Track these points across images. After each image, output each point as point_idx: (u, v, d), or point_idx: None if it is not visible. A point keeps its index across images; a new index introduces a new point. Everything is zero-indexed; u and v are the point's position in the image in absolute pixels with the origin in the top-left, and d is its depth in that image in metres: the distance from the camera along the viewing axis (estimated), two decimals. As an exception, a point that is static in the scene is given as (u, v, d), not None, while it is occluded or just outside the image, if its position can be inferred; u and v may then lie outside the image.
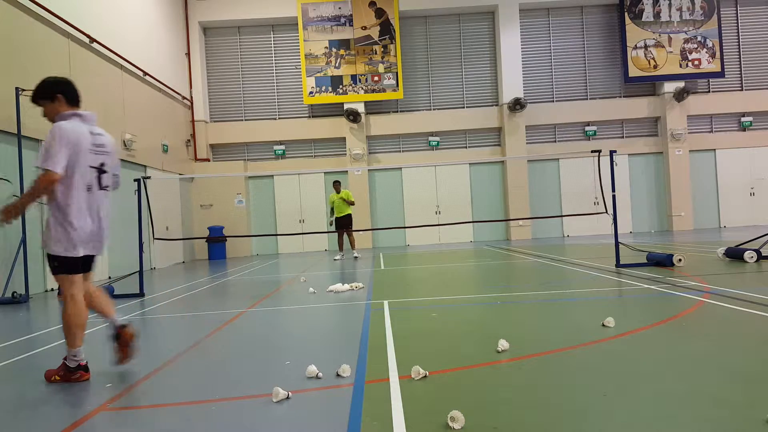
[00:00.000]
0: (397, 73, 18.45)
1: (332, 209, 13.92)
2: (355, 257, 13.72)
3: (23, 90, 8.67)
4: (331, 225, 13.96)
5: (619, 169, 18.03)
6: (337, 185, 13.96)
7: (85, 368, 3.59)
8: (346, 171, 18.30)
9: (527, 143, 18.98)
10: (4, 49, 9.23)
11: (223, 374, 3.56)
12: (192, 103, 18.50)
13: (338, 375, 3.28)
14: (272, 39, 19.33)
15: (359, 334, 4.51)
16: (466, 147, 19.34)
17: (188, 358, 4.09)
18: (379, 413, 2.64)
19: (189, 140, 18.22)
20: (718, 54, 18.67)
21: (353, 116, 18.26)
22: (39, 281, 9.67)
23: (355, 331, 4.66)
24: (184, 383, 3.42)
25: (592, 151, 8.86)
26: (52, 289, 9.74)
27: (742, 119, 19.28)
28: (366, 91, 18.50)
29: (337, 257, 13.68)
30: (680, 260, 7.97)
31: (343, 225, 13.78)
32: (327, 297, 6.92)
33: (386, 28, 18.48)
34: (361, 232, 18.17)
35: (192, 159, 18.38)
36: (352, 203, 13.81)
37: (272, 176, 18.72)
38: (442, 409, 2.56)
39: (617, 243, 8.71)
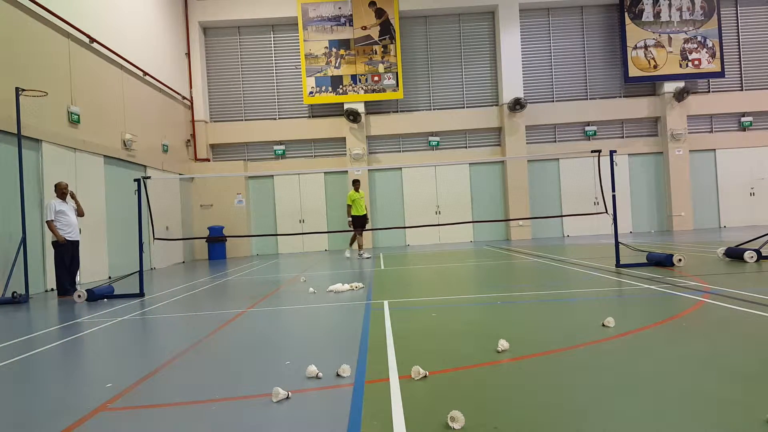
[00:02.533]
0: (397, 73, 18.45)
1: (349, 207, 13.58)
2: (353, 256, 13.71)
3: (23, 90, 8.67)
4: (350, 225, 13.64)
5: (619, 169, 18.03)
6: (357, 184, 13.78)
7: None
8: (346, 171, 18.30)
9: (527, 143, 18.98)
10: (4, 49, 9.23)
11: (223, 374, 3.56)
12: (192, 103, 18.50)
13: (338, 375, 3.28)
14: (272, 39, 19.33)
15: (359, 334, 4.51)
16: (466, 147, 19.33)
17: (188, 358, 4.09)
18: (379, 413, 2.64)
19: (189, 140, 18.22)
20: (718, 54, 18.67)
21: (353, 116, 18.25)
22: (39, 281, 9.67)
23: (355, 331, 4.65)
24: (184, 383, 3.42)
25: (592, 151, 8.86)
26: (52, 289, 9.75)
27: (742, 119, 19.28)
28: (366, 91, 18.50)
29: (366, 255, 13.44)
30: (680, 260, 7.97)
31: (362, 224, 13.54)
32: (327, 297, 6.91)
33: (386, 28, 18.48)
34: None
35: (192, 159, 18.38)
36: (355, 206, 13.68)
37: (272, 176, 18.71)
38: (442, 409, 2.56)
39: (617, 243, 8.70)
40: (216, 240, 17.04)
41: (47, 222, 8.43)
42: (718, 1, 18.72)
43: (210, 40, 19.27)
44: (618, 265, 8.39)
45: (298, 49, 18.91)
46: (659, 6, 18.77)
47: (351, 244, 14.18)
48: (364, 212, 13.73)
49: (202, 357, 4.12)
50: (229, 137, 19.07)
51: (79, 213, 8.86)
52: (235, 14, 18.74)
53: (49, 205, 8.47)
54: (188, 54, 18.47)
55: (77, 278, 9.04)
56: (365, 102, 18.65)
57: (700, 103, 19.12)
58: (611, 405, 2.62)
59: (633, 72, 18.76)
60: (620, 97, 19.38)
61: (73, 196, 8.76)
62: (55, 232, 8.42)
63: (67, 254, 8.61)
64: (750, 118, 19.23)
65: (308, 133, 19.18)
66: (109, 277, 11.67)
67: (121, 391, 3.27)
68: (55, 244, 8.55)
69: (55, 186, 8.66)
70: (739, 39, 19.40)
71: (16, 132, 8.63)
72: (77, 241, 8.79)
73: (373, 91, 18.48)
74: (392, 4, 18.40)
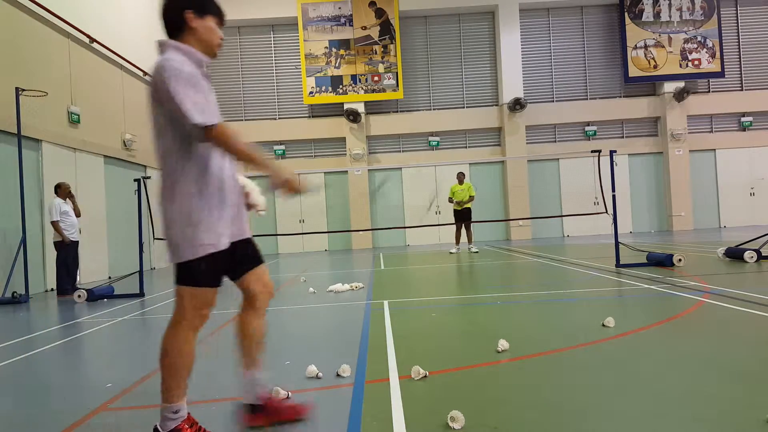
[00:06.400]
0: (397, 73, 18.45)
1: (450, 199, 13.36)
2: (475, 251, 13.09)
3: (23, 90, 8.67)
4: (454, 205, 13.26)
5: (619, 169, 18.02)
6: (461, 176, 13.42)
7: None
8: (346, 171, 18.29)
9: (527, 143, 18.98)
10: (4, 49, 9.23)
11: (223, 374, 3.55)
12: (192, 103, 18.45)
13: (338, 375, 3.28)
14: (272, 39, 19.33)
15: (359, 334, 4.51)
16: (466, 147, 19.34)
17: (188, 358, 4.08)
18: (379, 413, 2.64)
19: (189, 140, 18.19)
20: (718, 54, 18.67)
21: (353, 116, 18.25)
22: (39, 281, 9.67)
23: (355, 331, 4.65)
24: (184, 383, 3.41)
25: (592, 151, 8.86)
26: (52, 289, 9.74)
27: (742, 119, 19.27)
28: (366, 91, 18.50)
29: (453, 250, 13.40)
30: (680, 260, 7.97)
31: (463, 218, 13.20)
32: (327, 297, 6.91)
33: (386, 28, 18.48)
34: (361, 232, 18.17)
35: (192, 159, 18.34)
36: (472, 197, 13.21)
37: (272, 176, 18.66)
38: (442, 409, 2.56)
39: (617, 243, 8.70)
40: (216, 240, 17.01)
41: (53, 222, 8.42)
42: (718, 1, 18.72)
43: (210, 40, 19.23)
44: (618, 265, 8.39)
45: (298, 49, 18.91)
46: (659, 6, 18.77)
47: (469, 240, 13.45)
48: (467, 206, 13.28)
49: (203, 357, 4.11)
50: (229, 137, 19.03)
51: (77, 213, 8.87)
52: (235, 14, 18.72)
53: (53, 206, 8.46)
54: (188, 54, 18.44)
55: (77, 278, 9.04)
56: (365, 102, 18.65)
57: (700, 103, 19.11)
58: (611, 405, 2.62)
59: (633, 72, 18.76)
60: (620, 97, 19.38)
61: (72, 197, 8.76)
62: (61, 232, 8.42)
63: (70, 254, 8.62)
64: (750, 118, 19.23)
65: (308, 133, 19.17)
66: (109, 277, 11.67)
67: (121, 391, 3.27)
68: (58, 244, 8.55)
69: (58, 186, 8.65)
70: (739, 39, 19.39)
71: (16, 132, 8.62)
72: (78, 242, 8.80)
73: (373, 91, 18.48)
74: (392, 4, 18.39)
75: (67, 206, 8.63)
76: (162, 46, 2.33)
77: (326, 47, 18.50)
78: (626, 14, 18.74)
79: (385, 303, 6.08)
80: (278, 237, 18.56)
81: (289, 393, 2.95)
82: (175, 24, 2.34)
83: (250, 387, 2.52)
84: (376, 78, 18.44)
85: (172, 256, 2.35)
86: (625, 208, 18.69)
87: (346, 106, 18.42)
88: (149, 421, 2.77)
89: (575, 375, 3.13)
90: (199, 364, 3.88)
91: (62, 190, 8.62)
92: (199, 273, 2.32)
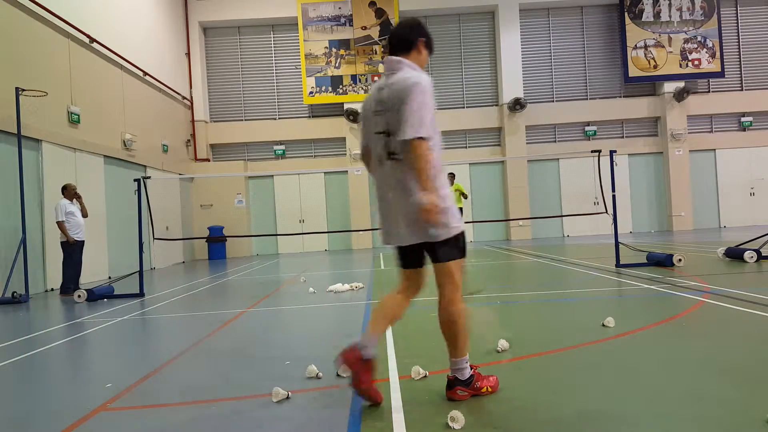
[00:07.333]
0: (397, 73, 18.42)
1: None
2: None
3: (23, 90, 8.67)
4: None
5: (619, 169, 18.00)
6: (451, 177, 13.23)
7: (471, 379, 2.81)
8: (346, 171, 18.30)
9: (527, 143, 18.98)
10: (4, 49, 9.23)
11: (223, 374, 3.55)
12: (192, 103, 18.49)
13: (338, 375, 3.28)
14: (272, 39, 19.33)
15: (359, 334, 4.51)
16: (466, 147, 19.33)
17: (188, 358, 4.09)
18: (379, 413, 2.64)
19: (189, 140, 18.22)
20: (718, 54, 18.67)
21: (353, 116, 18.24)
22: (39, 281, 9.66)
23: (355, 331, 4.65)
24: (184, 383, 3.42)
25: (592, 151, 8.85)
26: (52, 289, 9.74)
27: (742, 119, 19.27)
28: (366, 91, 18.48)
29: None
30: (680, 260, 7.97)
31: None
32: (327, 297, 6.91)
33: (386, 28, 18.47)
34: (361, 232, 18.17)
35: (192, 159, 18.38)
36: (465, 196, 13.29)
37: (272, 176, 18.71)
38: (442, 409, 2.56)
39: (617, 243, 8.70)
40: (216, 240, 17.04)
41: (58, 223, 8.43)
42: (718, 1, 18.72)
43: (210, 40, 19.26)
44: (618, 265, 8.39)
45: (298, 49, 18.91)
46: (659, 6, 18.76)
47: None
48: (459, 206, 12.97)
49: (202, 357, 4.12)
50: (229, 137, 19.07)
51: (84, 214, 8.89)
52: (235, 14, 18.73)
53: (59, 206, 8.48)
54: (188, 54, 18.47)
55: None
56: (365, 102, 18.62)
57: (700, 103, 19.11)
58: (611, 405, 2.62)
59: (633, 72, 18.76)
60: (620, 97, 19.37)
61: (79, 198, 8.78)
62: (66, 232, 8.43)
63: (75, 254, 8.63)
64: (750, 118, 19.23)
65: (308, 133, 19.17)
66: (109, 277, 11.66)
67: (121, 391, 3.27)
68: (64, 244, 8.57)
69: (65, 187, 8.70)
70: (739, 39, 19.39)
71: (16, 132, 8.62)
72: (83, 242, 8.81)
73: (373, 91, 18.46)
74: (392, 4, 18.40)
75: (74, 207, 8.66)
76: (399, 63, 2.80)
77: (326, 47, 18.51)
78: (626, 14, 18.74)
79: (385, 303, 6.07)
80: (278, 237, 18.56)
81: (289, 393, 2.95)
82: (407, 44, 2.82)
83: (457, 367, 2.80)
84: (376, 78, 18.44)
85: (444, 232, 2.67)
86: (625, 208, 18.69)
87: (346, 106, 18.42)
88: (149, 421, 2.77)
89: (575, 375, 3.14)
90: (198, 364, 3.88)
91: (69, 191, 8.66)
92: (464, 244, 2.77)
